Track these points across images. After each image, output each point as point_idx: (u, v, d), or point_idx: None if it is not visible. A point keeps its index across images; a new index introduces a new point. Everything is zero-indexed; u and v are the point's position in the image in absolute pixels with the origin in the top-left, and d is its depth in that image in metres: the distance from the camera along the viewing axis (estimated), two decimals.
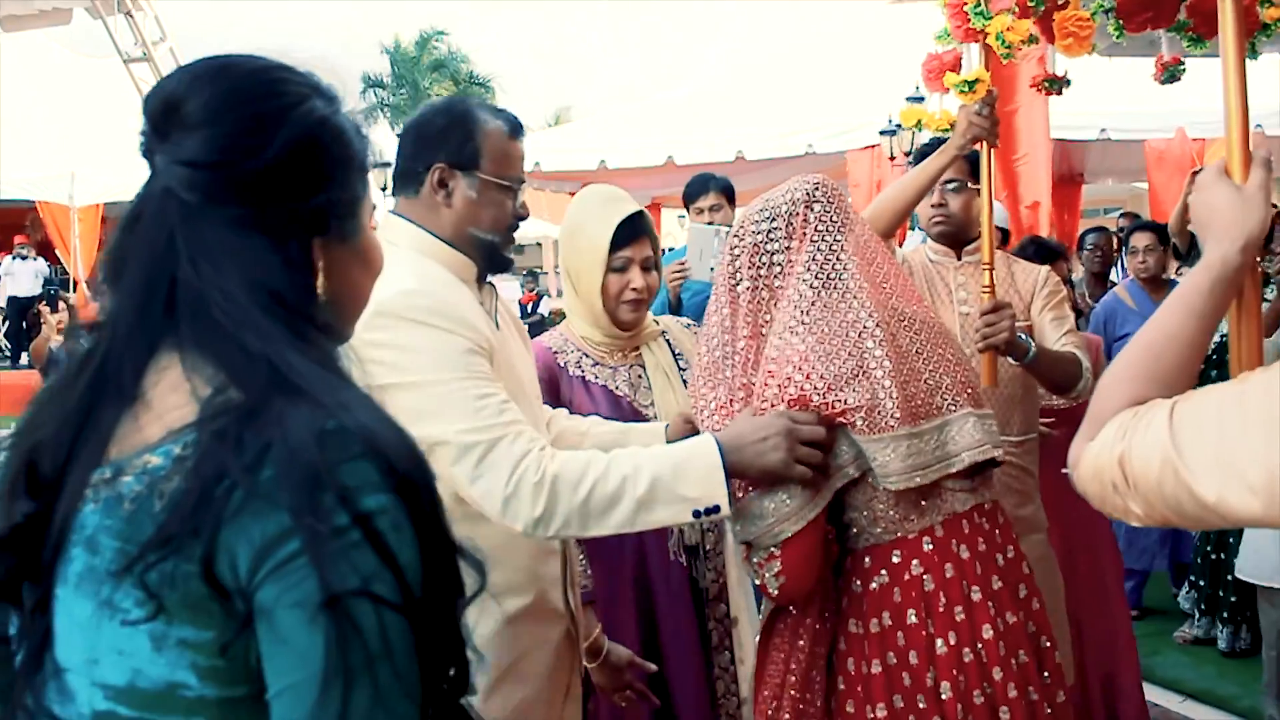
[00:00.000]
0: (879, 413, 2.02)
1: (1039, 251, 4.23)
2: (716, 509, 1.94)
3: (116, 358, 1.04)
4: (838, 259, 2.14)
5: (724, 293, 2.21)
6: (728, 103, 9.86)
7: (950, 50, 2.98)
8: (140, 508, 0.96)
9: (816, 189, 2.20)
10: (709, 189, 4.72)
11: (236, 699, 0.97)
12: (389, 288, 1.96)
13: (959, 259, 3.20)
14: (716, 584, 2.66)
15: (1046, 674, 2.14)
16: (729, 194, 4.74)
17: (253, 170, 1.07)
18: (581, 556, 2.49)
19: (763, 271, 2.17)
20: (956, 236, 3.19)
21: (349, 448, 0.97)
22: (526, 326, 2.59)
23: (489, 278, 2.21)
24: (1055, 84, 3.24)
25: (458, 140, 2.10)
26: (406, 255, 2.08)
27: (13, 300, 17.72)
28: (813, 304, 2.10)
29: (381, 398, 1.85)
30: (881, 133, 8.82)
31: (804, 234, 2.16)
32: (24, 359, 15.71)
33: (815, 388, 2.04)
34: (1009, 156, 6.07)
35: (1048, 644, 2.17)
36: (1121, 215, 10.45)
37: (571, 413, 2.58)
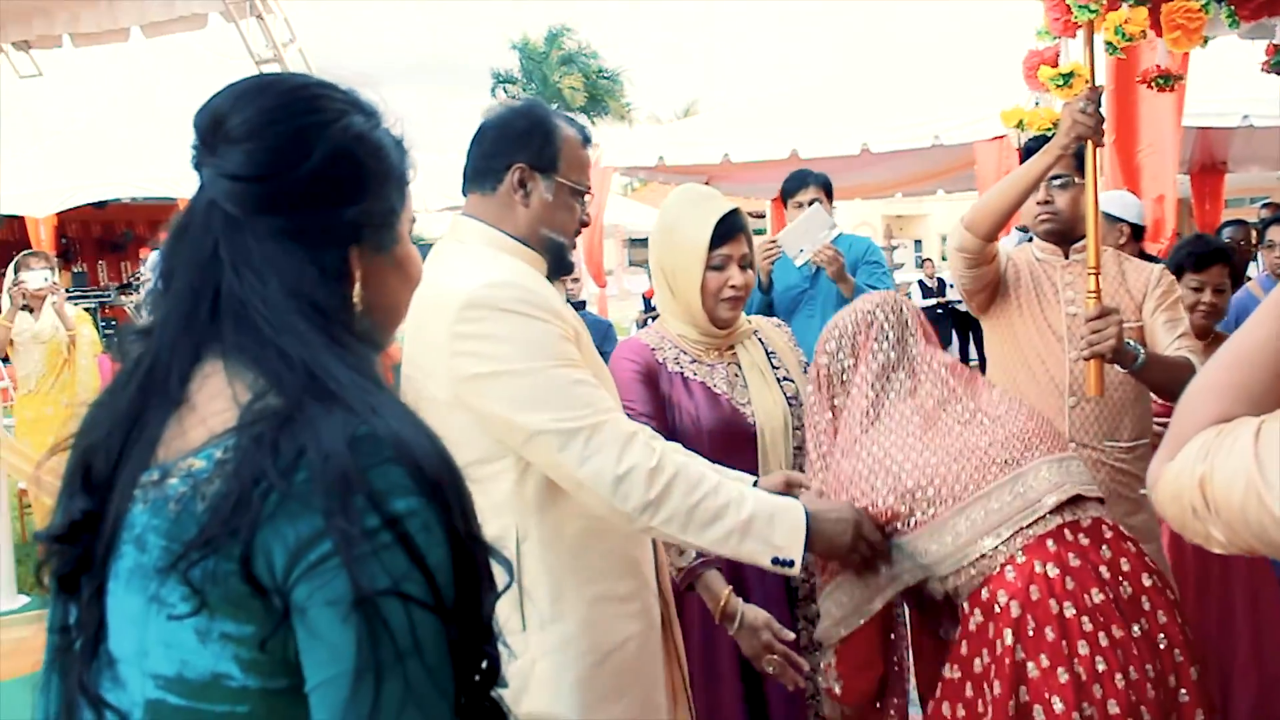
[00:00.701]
0: (919, 510, 2.19)
1: (1193, 253, 3.87)
2: (791, 563, 2.06)
3: (164, 363, 1.09)
4: (891, 370, 2.36)
5: (816, 399, 2.45)
6: (852, 94, 9.62)
7: (1051, 47, 2.89)
8: (184, 509, 1.01)
9: (877, 308, 2.43)
10: (807, 183, 4.72)
11: (278, 690, 1.02)
12: (473, 280, 2.00)
13: (1066, 257, 3.11)
14: (807, 584, 2.65)
15: (1184, 691, 2.06)
16: (827, 189, 4.71)
17: (292, 183, 1.11)
18: None
19: (835, 388, 2.41)
20: (1064, 234, 3.10)
21: (380, 453, 1.00)
22: (645, 319, 2.72)
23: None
24: (1167, 80, 3.12)
25: (538, 143, 2.16)
26: (480, 251, 2.13)
27: None
28: (866, 421, 2.33)
29: (477, 387, 1.90)
30: None
31: (862, 353, 2.39)
32: None
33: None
34: (1131, 149, 5.82)
35: (1181, 659, 2.09)
36: (1263, 206, 9.93)
37: (671, 408, 2.60)
